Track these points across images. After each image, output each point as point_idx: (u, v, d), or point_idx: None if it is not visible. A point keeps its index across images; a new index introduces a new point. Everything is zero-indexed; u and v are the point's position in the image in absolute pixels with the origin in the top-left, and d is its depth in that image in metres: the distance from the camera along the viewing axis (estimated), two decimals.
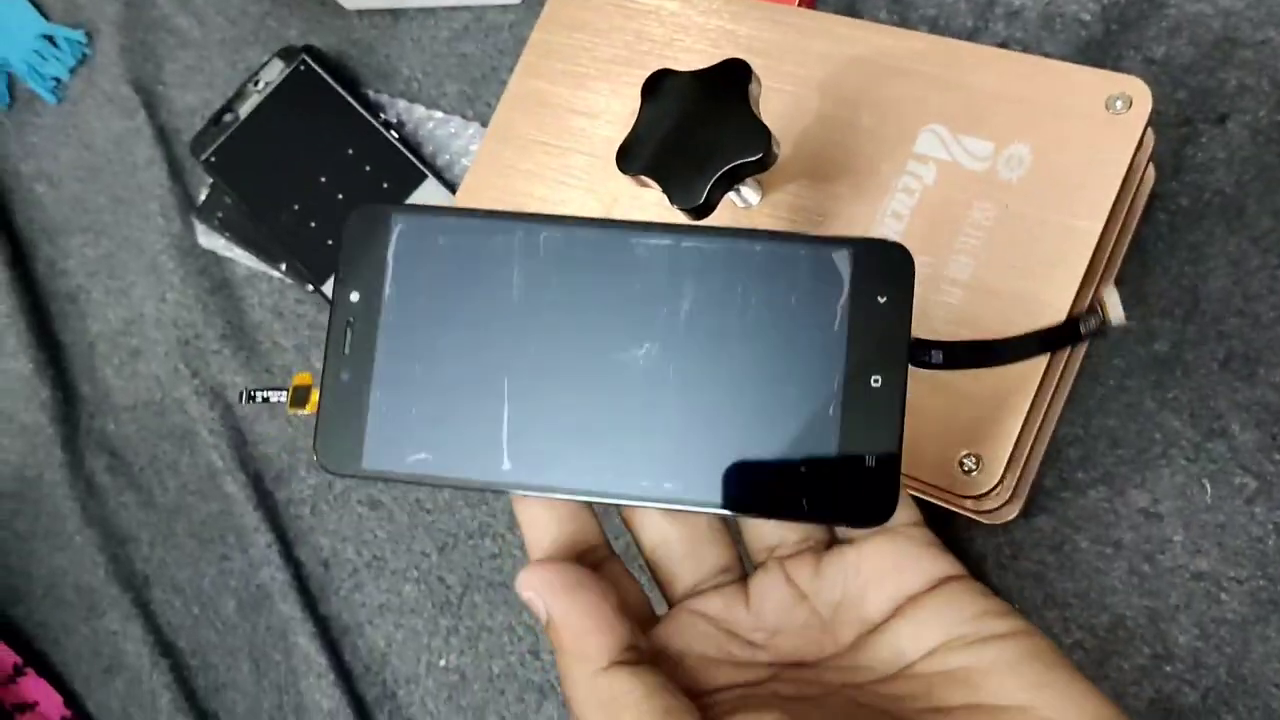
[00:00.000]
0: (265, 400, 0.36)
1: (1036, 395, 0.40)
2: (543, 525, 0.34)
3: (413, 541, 0.59)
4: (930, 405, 0.42)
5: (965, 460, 0.41)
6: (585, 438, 0.33)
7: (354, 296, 0.35)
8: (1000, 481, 0.41)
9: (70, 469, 0.66)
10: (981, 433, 0.41)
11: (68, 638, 0.65)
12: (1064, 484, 0.47)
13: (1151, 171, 0.47)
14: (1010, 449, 0.40)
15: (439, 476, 0.33)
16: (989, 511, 0.46)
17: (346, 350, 0.34)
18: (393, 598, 0.58)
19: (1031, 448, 0.45)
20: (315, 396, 0.35)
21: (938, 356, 0.34)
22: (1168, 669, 0.45)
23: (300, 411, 0.35)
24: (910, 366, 0.34)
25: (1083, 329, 0.35)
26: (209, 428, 0.63)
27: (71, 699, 0.64)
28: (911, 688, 0.31)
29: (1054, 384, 0.44)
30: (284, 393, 0.36)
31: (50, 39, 0.75)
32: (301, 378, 0.36)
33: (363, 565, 0.59)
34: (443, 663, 0.57)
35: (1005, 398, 0.41)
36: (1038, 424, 0.44)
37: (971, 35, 0.53)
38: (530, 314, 0.34)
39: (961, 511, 0.45)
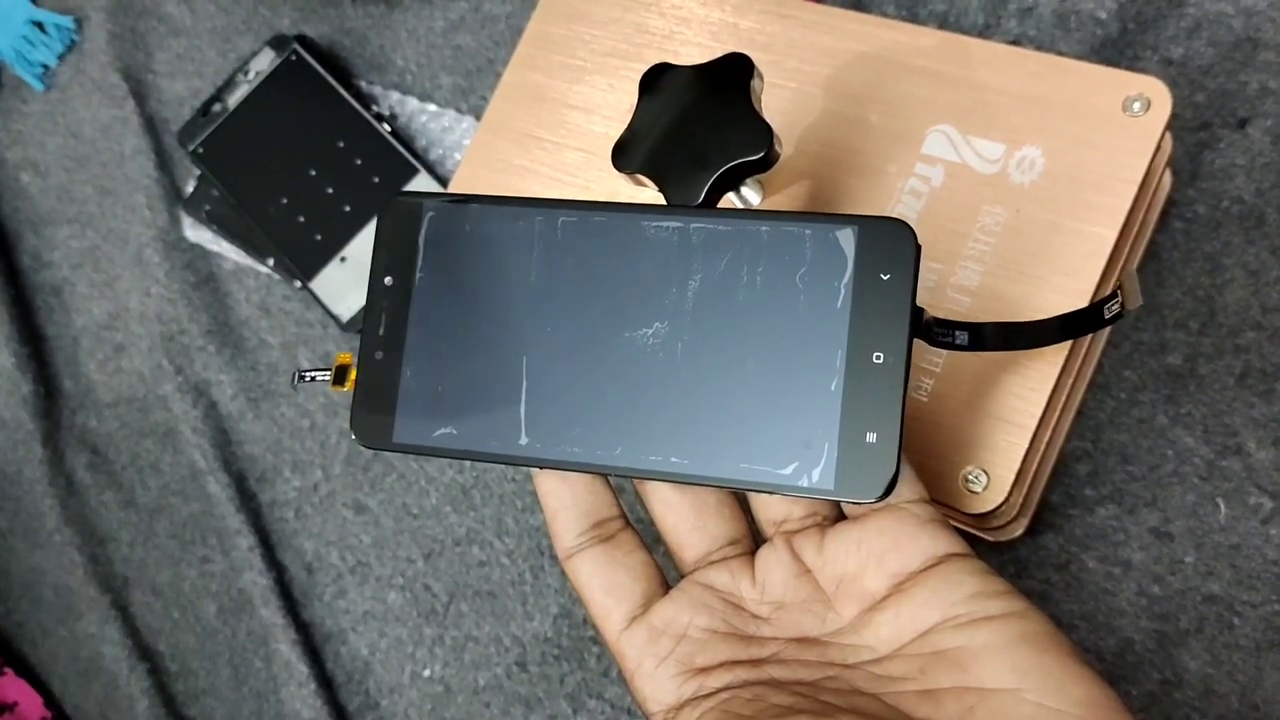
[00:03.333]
0: (313, 380, 0.38)
1: (1046, 408, 0.39)
2: (559, 497, 0.36)
3: (398, 547, 0.57)
4: (934, 417, 0.40)
5: (970, 476, 0.39)
6: (597, 414, 0.34)
7: (388, 280, 0.36)
8: (1007, 499, 0.39)
9: (50, 466, 0.65)
10: (987, 447, 0.39)
11: (45, 639, 0.63)
12: (1071, 501, 0.46)
13: (1168, 177, 0.45)
14: (1018, 465, 0.39)
15: (463, 450, 0.35)
16: (993, 529, 0.44)
17: (381, 331, 0.36)
18: (377, 605, 0.57)
19: (1039, 463, 0.43)
20: (354, 375, 0.37)
21: (963, 337, 0.34)
22: (1177, 696, 0.43)
23: (341, 389, 0.37)
24: (931, 349, 0.35)
25: (1106, 313, 0.34)
26: (192, 426, 0.62)
27: (50, 700, 0.62)
28: (906, 668, 0.32)
29: (1064, 396, 0.42)
30: (328, 372, 0.37)
31: (39, 25, 0.73)
32: (343, 357, 0.38)
33: (347, 571, 0.58)
34: (427, 673, 0.55)
35: (1013, 410, 0.39)
36: (1046, 438, 0.42)
37: (983, 32, 0.51)
38: (547, 295, 0.35)
39: (963, 528, 0.44)
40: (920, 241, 0.32)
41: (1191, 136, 0.47)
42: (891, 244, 0.32)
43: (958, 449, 0.39)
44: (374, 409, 0.36)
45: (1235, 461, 0.44)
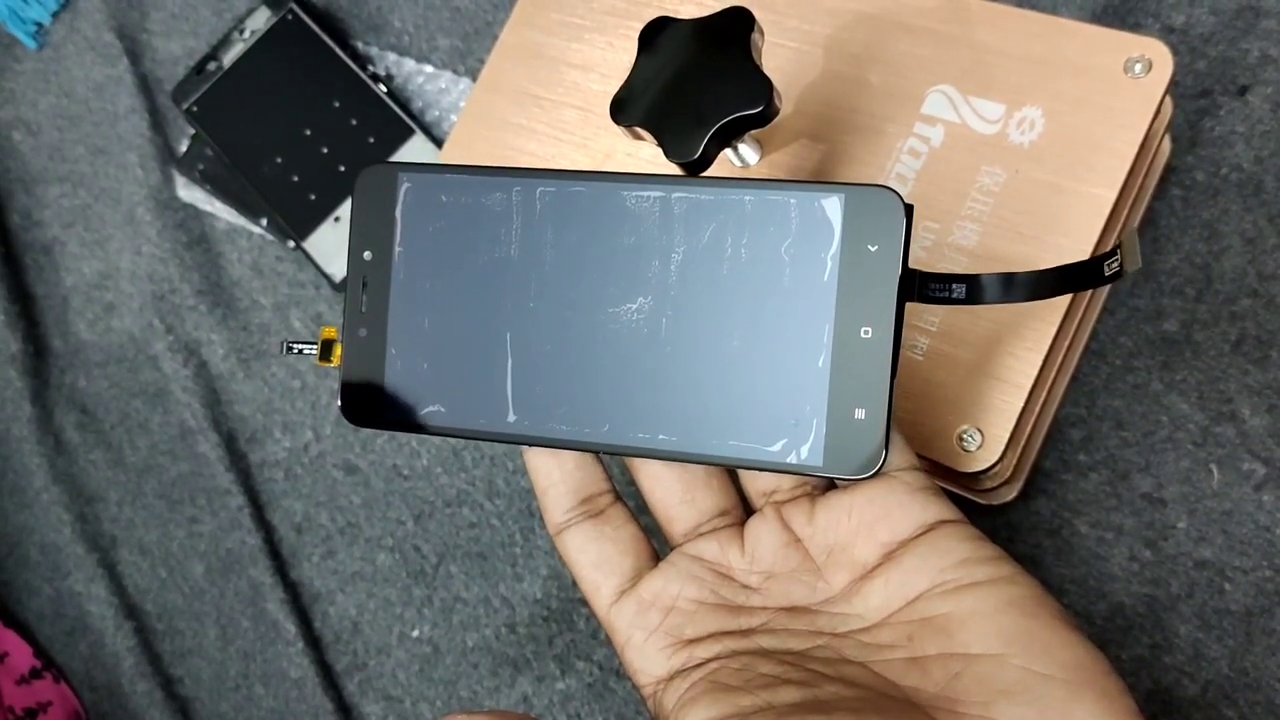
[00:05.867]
0: (300, 352, 0.37)
1: (1042, 368, 0.39)
2: (548, 473, 0.36)
3: (388, 509, 0.57)
4: (929, 376, 0.40)
5: (965, 435, 0.39)
6: (584, 391, 0.34)
7: (367, 255, 0.36)
8: (1001, 459, 0.39)
9: (39, 424, 0.64)
10: (983, 407, 0.39)
11: (31, 597, 0.63)
12: (1064, 466, 0.46)
13: (1167, 143, 0.45)
14: (1013, 424, 0.39)
15: (451, 428, 0.35)
16: (986, 491, 0.44)
17: (363, 308, 0.36)
18: (366, 566, 0.56)
19: (1033, 426, 0.43)
20: (340, 351, 0.36)
21: (959, 290, 0.33)
22: (1167, 660, 0.43)
23: (327, 364, 0.37)
24: (927, 306, 0.34)
25: (1106, 270, 0.34)
26: (182, 385, 0.61)
27: (39, 650, 0.62)
28: (894, 636, 0.32)
29: (1059, 359, 0.42)
30: (315, 346, 0.36)
31: None
32: (328, 331, 0.37)
33: (336, 531, 0.57)
34: (415, 634, 0.55)
35: (1009, 370, 0.39)
36: (1041, 399, 0.42)
37: None
38: (529, 269, 0.35)
39: (956, 491, 0.44)
40: (912, 209, 0.32)
41: (1192, 104, 0.47)
42: (880, 213, 0.32)
43: (953, 408, 0.39)
44: (361, 387, 0.36)
45: (1229, 428, 0.44)
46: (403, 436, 0.57)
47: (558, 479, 0.36)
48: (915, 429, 0.39)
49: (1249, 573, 0.43)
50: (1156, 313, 0.46)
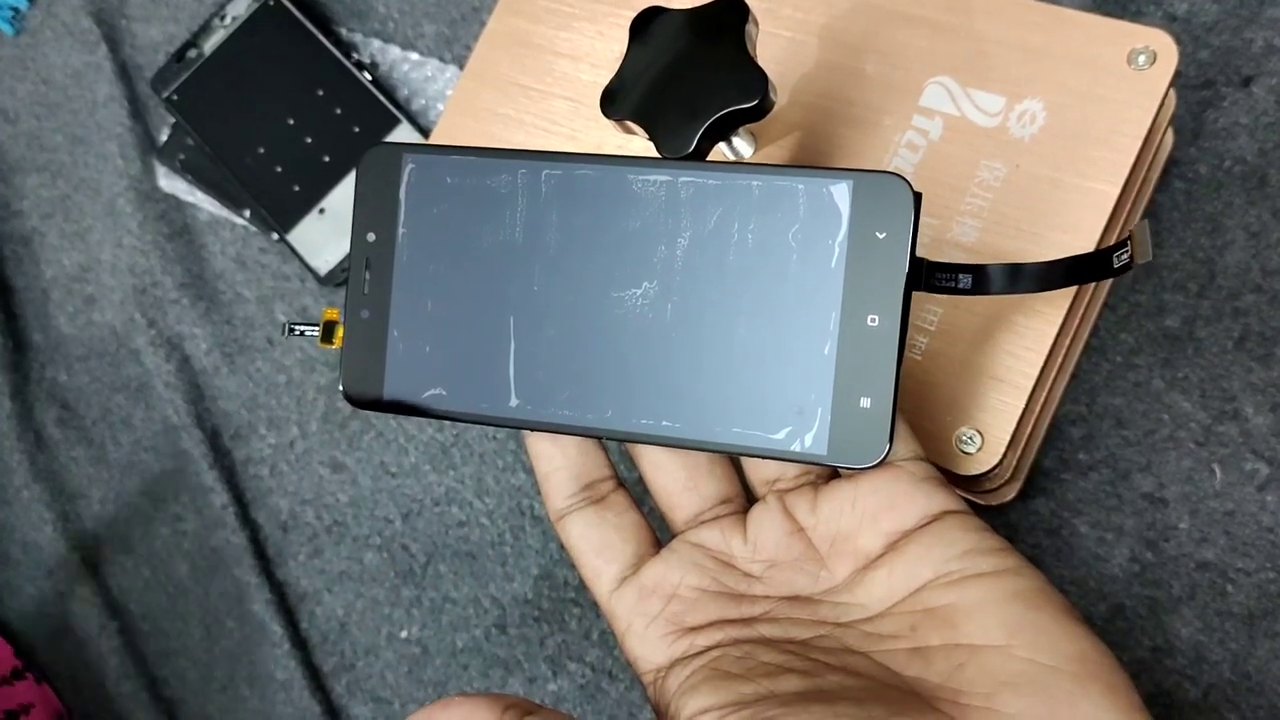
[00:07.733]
0: (301, 334, 0.37)
1: (1043, 368, 0.38)
2: (550, 458, 0.35)
3: (376, 507, 0.56)
4: (928, 376, 0.39)
5: (964, 437, 0.38)
6: (587, 376, 0.34)
7: (370, 236, 0.36)
8: (1000, 461, 0.38)
9: (19, 420, 0.63)
10: (982, 407, 0.38)
11: (12, 597, 0.62)
12: (1064, 465, 0.45)
13: (1170, 135, 0.44)
14: (1013, 426, 0.38)
15: (452, 411, 0.35)
16: (984, 492, 0.43)
17: (365, 289, 0.35)
18: (353, 565, 0.55)
19: (1033, 426, 0.42)
20: (342, 333, 0.36)
21: (966, 280, 0.33)
22: (1168, 663, 0.42)
23: (329, 346, 0.37)
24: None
25: (1115, 262, 0.33)
26: (165, 381, 0.60)
27: (20, 650, 0.61)
28: (897, 626, 0.32)
29: (1059, 358, 0.41)
30: (316, 328, 0.36)
31: None
32: (330, 313, 0.37)
33: (323, 530, 0.56)
34: (404, 634, 0.54)
35: (1008, 370, 0.38)
36: (1041, 400, 0.41)
37: None
38: (534, 252, 0.34)
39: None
40: (920, 197, 0.31)
41: (1194, 94, 0.46)
42: (889, 200, 0.31)
43: (951, 409, 0.38)
44: (363, 369, 0.35)
45: (1232, 427, 0.43)
46: (390, 433, 0.56)
47: (560, 464, 0.35)
48: (911, 430, 0.38)
49: (1252, 574, 0.42)
50: (1158, 308, 0.45)
